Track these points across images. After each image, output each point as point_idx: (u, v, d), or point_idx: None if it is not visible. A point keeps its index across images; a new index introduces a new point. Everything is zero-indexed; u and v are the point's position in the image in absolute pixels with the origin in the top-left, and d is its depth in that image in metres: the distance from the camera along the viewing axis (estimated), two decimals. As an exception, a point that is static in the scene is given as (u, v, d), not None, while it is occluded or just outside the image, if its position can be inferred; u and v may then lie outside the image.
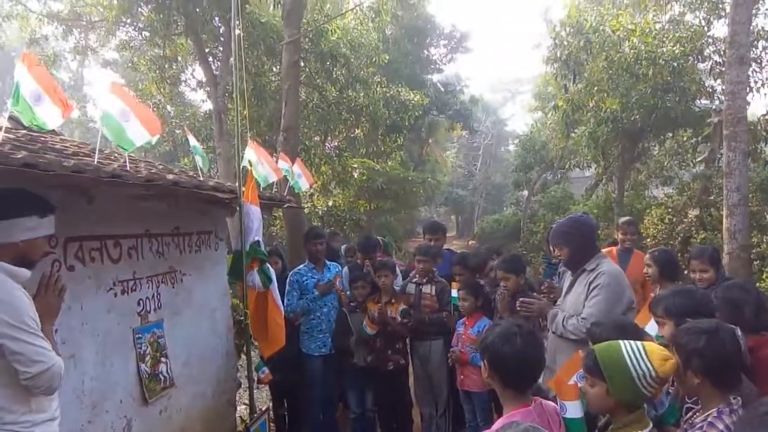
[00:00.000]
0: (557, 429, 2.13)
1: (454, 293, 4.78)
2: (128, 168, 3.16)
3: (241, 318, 4.77)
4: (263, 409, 4.65)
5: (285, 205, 5.63)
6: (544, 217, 15.88)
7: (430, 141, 23.93)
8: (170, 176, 3.46)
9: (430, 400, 5.17)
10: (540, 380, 3.27)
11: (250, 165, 4.18)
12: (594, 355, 2.12)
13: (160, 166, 4.70)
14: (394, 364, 5.00)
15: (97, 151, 3.15)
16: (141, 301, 3.72)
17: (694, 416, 2.15)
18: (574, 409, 2.22)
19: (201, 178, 4.12)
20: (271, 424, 5.31)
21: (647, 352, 2.05)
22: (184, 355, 4.19)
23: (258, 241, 3.98)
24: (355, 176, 14.22)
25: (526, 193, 22.52)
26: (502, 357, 2.14)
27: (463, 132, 28.90)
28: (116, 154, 4.10)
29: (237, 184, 4.07)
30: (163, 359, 3.85)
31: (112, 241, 3.48)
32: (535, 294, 4.13)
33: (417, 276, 5.16)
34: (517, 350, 2.12)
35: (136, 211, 3.68)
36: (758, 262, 7.44)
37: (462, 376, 4.59)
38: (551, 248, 4.06)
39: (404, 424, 5.27)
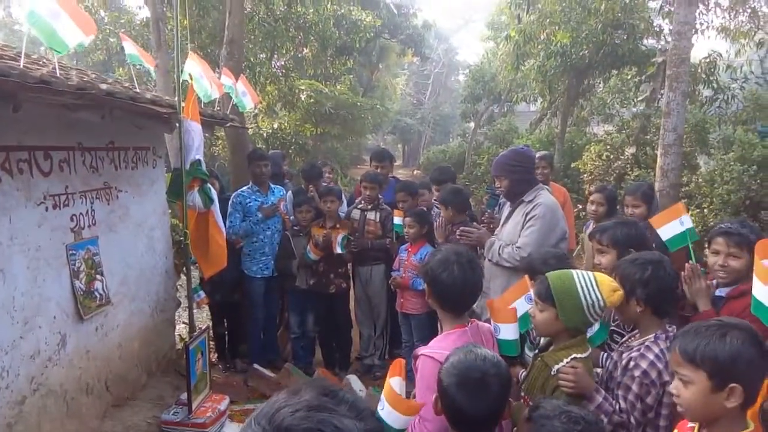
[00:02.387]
0: (490, 348, 2.23)
1: (398, 220, 4.85)
2: (58, 74, 2.95)
3: (181, 238, 4.69)
4: (203, 327, 4.67)
5: (228, 124, 5.43)
6: (489, 150, 16.07)
7: (381, 66, 23.37)
8: (104, 86, 3.25)
9: (370, 322, 5.34)
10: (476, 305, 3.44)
11: (191, 78, 3.97)
12: (547, 283, 2.20)
13: (93, 75, 4.41)
14: (336, 288, 5.09)
15: (23, 55, 2.91)
16: (74, 217, 3.59)
17: (631, 340, 2.30)
18: (507, 331, 2.33)
19: (137, 90, 3.91)
20: (211, 343, 5.37)
21: (598, 283, 2.14)
22: (121, 273, 4.12)
23: (199, 160, 3.85)
24: (303, 98, 13.79)
25: (472, 125, 22.62)
26: (440, 281, 2.22)
27: (414, 58, 28.28)
28: (45, 60, 3.82)
29: (176, 98, 3.87)
30: (98, 276, 3.77)
31: (41, 152, 3.29)
32: (475, 224, 4.24)
33: (362, 202, 5.18)
34: (455, 276, 2.19)
35: (67, 123, 3.47)
36: (686, 200, 7.83)
37: (402, 300, 4.73)
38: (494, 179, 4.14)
39: (343, 344, 5.44)
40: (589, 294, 2.09)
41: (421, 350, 2.15)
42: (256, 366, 5.10)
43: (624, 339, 2.38)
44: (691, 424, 1.73)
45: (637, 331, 2.31)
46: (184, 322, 5.61)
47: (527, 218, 3.62)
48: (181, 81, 3.92)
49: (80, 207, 3.66)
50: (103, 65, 17.42)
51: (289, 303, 5.46)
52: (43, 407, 3.23)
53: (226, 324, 5.55)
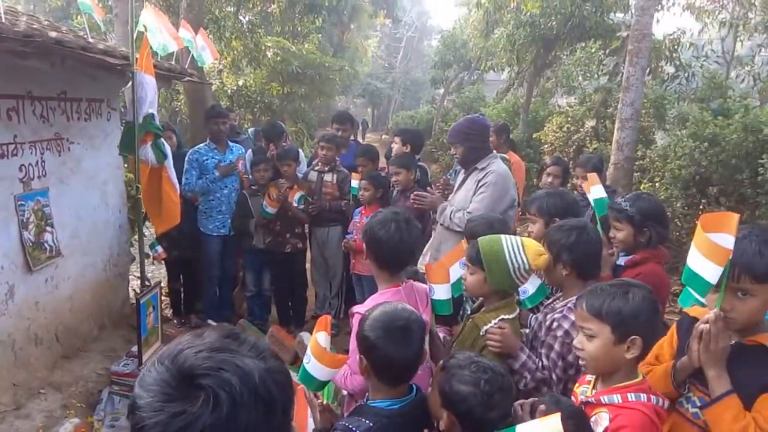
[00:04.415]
0: (424, 308, 2.34)
1: (355, 183, 4.90)
2: (4, 20, 2.87)
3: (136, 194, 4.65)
4: (154, 283, 4.69)
5: (185, 79, 5.34)
6: (456, 117, 16.11)
7: (352, 26, 23.01)
8: (53, 34, 3.17)
9: (325, 282, 5.43)
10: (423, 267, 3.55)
11: (146, 30, 3.88)
12: (477, 247, 2.31)
13: (45, 22, 4.28)
14: (292, 247, 5.14)
15: (-36, -2, 2.82)
16: (23, 167, 3.55)
17: (555, 302, 2.43)
18: (441, 292, 2.44)
19: (90, 40, 3.81)
20: (165, 298, 5.39)
21: (524, 247, 2.26)
22: (73, 225, 4.09)
23: (152, 114, 3.80)
24: (269, 56, 13.52)
25: (442, 91, 22.58)
26: (377, 240, 2.30)
27: (386, 21, 27.99)
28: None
29: (130, 50, 3.80)
30: (48, 228, 3.74)
31: (-13, 99, 3.22)
32: (429, 188, 4.33)
33: (319, 164, 5.20)
34: (391, 235, 2.27)
35: (15, 70, 3.39)
36: (639, 173, 8.07)
37: (354, 261, 4.83)
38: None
39: (298, 303, 5.52)
40: (516, 258, 2.21)
41: (356, 309, 2.24)
42: (210, 322, 5.15)
43: (549, 301, 2.51)
44: (589, 377, 1.89)
45: (560, 294, 2.44)
46: (137, 277, 5.61)
47: (479, 185, 3.72)
48: (135, 32, 3.84)
49: (30, 157, 3.61)
50: (60, 11, 16.71)
51: (245, 261, 5.50)
52: (-10, 356, 3.25)
53: (181, 280, 5.57)
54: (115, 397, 3.72)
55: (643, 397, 1.69)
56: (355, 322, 2.15)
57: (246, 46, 13.13)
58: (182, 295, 5.60)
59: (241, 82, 13.80)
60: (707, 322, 1.67)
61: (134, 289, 5.43)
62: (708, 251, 1.64)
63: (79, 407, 3.61)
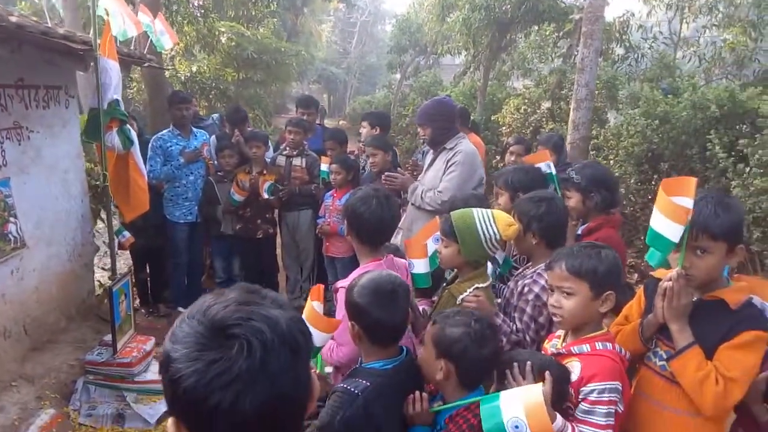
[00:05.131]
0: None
1: (324, 167, 4.93)
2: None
3: (97, 182, 4.56)
4: (125, 272, 4.62)
5: (146, 64, 5.24)
6: (414, 102, 16.18)
7: (305, 11, 22.72)
8: (13, 18, 3.08)
9: (296, 266, 5.46)
10: (400, 244, 3.65)
11: (107, 14, 3.80)
12: (450, 221, 2.41)
13: (-3, 7, 4.13)
14: (264, 233, 5.15)
15: None
16: (-18, 157, 3.44)
17: (525, 270, 2.56)
18: (419, 266, 2.54)
19: (49, 24, 3.71)
20: (133, 288, 5.32)
21: (495, 219, 2.37)
22: (36, 215, 4.00)
23: (117, 100, 3.73)
24: (223, 41, 13.23)
25: (398, 76, 22.60)
26: (359, 215, 2.39)
27: (339, 5, 27.73)
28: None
29: (92, 34, 3.71)
30: (12, 219, 3.65)
31: (-58, 87, 3.11)
32: (399, 169, 4.40)
33: (287, 148, 5.20)
34: (372, 211, 2.37)
35: (-30, 56, 3.28)
36: (594, 152, 8.34)
37: (328, 244, 4.87)
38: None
39: (269, 288, 5.51)
40: (487, 229, 2.34)
41: (340, 283, 2.32)
42: (180, 309, 5.12)
43: (519, 270, 2.64)
44: (559, 332, 2.05)
45: (530, 263, 2.57)
46: (102, 268, 5.51)
47: (448, 164, 3.82)
48: (96, 17, 3.75)
49: (-11, 147, 3.50)
50: (0, -4, 15.91)
51: (213, 248, 5.46)
52: (-41, 350, 3.17)
53: (147, 269, 5.50)
54: (90, 387, 3.69)
55: (609, 345, 1.87)
56: (340, 295, 2.22)
57: (199, 32, 12.78)
58: (149, 284, 5.53)
59: (194, 68, 13.48)
60: (670, 280, 1.81)
61: (98, 280, 5.34)
62: (669, 212, 1.78)
63: (53, 398, 3.56)
